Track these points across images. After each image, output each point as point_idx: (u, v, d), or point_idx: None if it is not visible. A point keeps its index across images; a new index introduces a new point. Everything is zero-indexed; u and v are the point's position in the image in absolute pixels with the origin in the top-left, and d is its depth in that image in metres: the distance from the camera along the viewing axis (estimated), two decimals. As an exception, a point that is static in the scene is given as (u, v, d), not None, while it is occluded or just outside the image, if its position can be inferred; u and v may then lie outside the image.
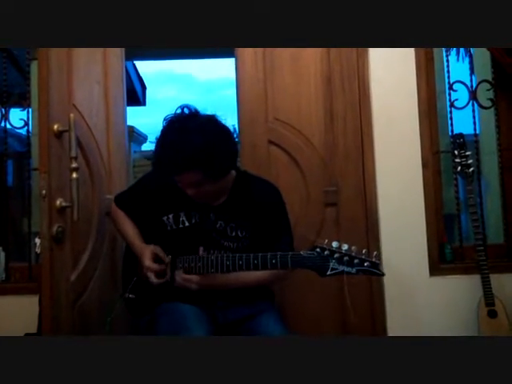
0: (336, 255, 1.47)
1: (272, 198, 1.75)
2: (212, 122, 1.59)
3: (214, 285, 1.63)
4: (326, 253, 1.47)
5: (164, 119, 1.60)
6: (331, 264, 1.47)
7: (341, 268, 1.46)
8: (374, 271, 1.47)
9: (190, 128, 1.55)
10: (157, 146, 1.59)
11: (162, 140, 1.58)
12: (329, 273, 1.47)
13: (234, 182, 1.72)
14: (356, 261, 1.46)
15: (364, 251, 1.48)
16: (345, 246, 1.48)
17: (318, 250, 1.48)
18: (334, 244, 1.48)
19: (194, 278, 1.60)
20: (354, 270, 1.46)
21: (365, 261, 1.46)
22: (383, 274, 1.52)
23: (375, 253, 1.50)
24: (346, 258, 1.46)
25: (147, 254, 1.67)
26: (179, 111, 1.60)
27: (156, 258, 1.66)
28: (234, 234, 1.69)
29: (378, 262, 1.48)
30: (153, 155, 1.61)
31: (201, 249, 1.62)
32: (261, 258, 1.53)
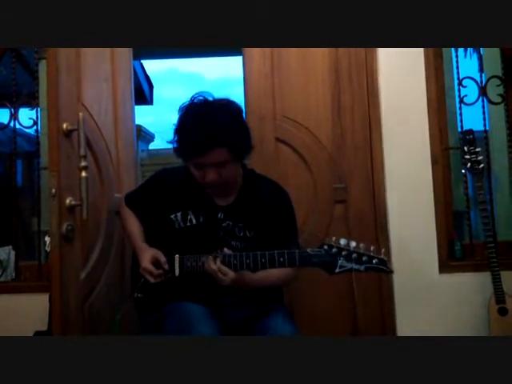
0: (344, 252, 1.46)
1: (280, 200, 1.75)
2: (231, 103, 1.63)
3: (244, 284, 1.59)
4: (333, 250, 1.47)
5: (180, 108, 1.62)
6: (339, 261, 1.46)
7: (349, 265, 1.46)
8: (383, 268, 1.46)
9: (212, 108, 1.58)
10: (179, 129, 1.60)
11: (184, 122, 1.59)
12: (337, 270, 1.47)
13: (243, 182, 1.72)
14: (364, 258, 1.45)
15: (372, 248, 1.47)
16: (353, 243, 1.47)
17: (325, 247, 1.48)
18: (342, 241, 1.47)
19: (231, 273, 1.54)
20: (362, 268, 1.45)
21: (373, 258, 1.46)
22: (392, 272, 1.52)
23: (383, 250, 1.49)
24: (354, 256, 1.45)
25: (146, 256, 1.67)
26: (194, 98, 1.62)
27: (155, 262, 1.66)
28: (242, 234, 1.68)
29: (386, 258, 1.47)
30: (173, 140, 1.61)
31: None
32: (268, 256, 1.53)
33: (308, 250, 1.50)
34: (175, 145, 1.62)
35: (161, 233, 1.74)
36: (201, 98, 1.62)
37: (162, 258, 1.66)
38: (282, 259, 1.51)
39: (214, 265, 1.54)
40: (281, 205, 1.73)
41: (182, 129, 1.59)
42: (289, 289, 2.07)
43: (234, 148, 1.56)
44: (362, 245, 1.47)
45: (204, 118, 1.55)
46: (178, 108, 1.65)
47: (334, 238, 1.49)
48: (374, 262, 1.45)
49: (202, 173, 1.59)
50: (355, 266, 1.45)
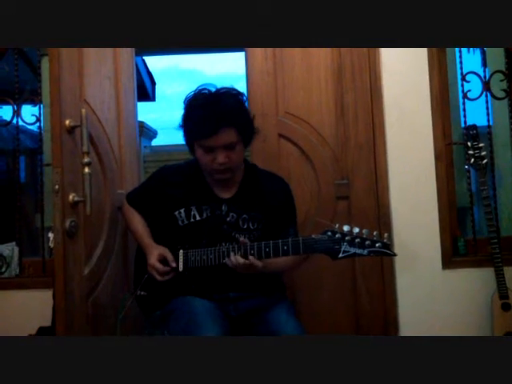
0: (347, 238, 1.48)
1: (282, 190, 1.77)
2: (235, 89, 1.68)
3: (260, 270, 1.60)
4: (337, 236, 1.49)
5: (186, 98, 1.66)
6: (343, 247, 1.48)
7: (352, 250, 1.48)
8: (386, 252, 1.48)
9: (218, 93, 1.63)
10: (188, 114, 1.64)
11: (193, 107, 1.63)
12: (341, 255, 1.48)
13: (244, 174, 1.73)
14: (367, 242, 1.47)
15: (375, 233, 1.49)
16: (356, 229, 1.49)
17: (329, 233, 1.50)
18: (345, 227, 1.49)
19: (258, 262, 1.55)
20: (365, 252, 1.47)
21: (376, 242, 1.48)
22: (395, 255, 1.53)
23: (386, 234, 1.51)
24: (357, 240, 1.47)
25: (154, 253, 1.68)
26: (198, 90, 1.66)
27: (163, 260, 1.67)
28: (245, 226, 1.69)
29: (389, 242, 1.49)
30: (182, 126, 1.66)
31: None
32: (272, 245, 1.54)
33: (312, 236, 1.51)
34: (184, 130, 1.65)
35: (165, 230, 1.75)
36: (205, 90, 1.65)
37: (169, 256, 1.67)
38: (285, 247, 1.53)
39: (241, 259, 1.55)
40: (282, 194, 1.76)
41: (191, 113, 1.63)
42: (291, 283, 2.08)
43: (242, 129, 1.61)
44: (365, 230, 1.49)
45: (212, 101, 1.60)
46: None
47: (337, 225, 1.51)
48: (376, 245, 1.47)
49: (212, 157, 1.61)
50: (358, 251, 1.47)
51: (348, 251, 1.47)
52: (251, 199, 1.71)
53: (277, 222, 1.70)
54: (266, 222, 1.71)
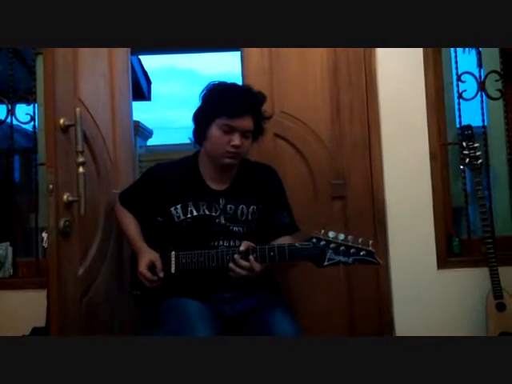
0: (332, 245, 1.47)
1: (272, 177, 1.81)
2: None
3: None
4: (322, 243, 1.48)
5: (208, 84, 1.71)
6: (328, 254, 1.47)
7: (337, 258, 1.47)
8: (370, 260, 1.47)
9: (247, 85, 1.77)
10: (216, 91, 1.68)
11: (225, 86, 1.69)
12: (326, 263, 1.48)
13: (238, 168, 1.76)
14: (352, 250, 1.47)
15: (360, 240, 1.48)
16: (341, 236, 1.48)
17: (314, 240, 1.49)
18: (331, 234, 1.48)
19: (256, 264, 1.54)
20: (350, 260, 1.47)
21: (361, 250, 1.47)
22: (379, 263, 1.52)
23: (371, 241, 1.49)
24: (342, 248, 1.47)
25: (144, 259, 1.67)
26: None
27: (152, 266, 1.66)
28: (244, 217, 1.70)
29: (373, 250, 1.48)
30: (207, 101, 1.69)
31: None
32: (259, 251, 1.54)
33: (296, 244, 1.51)
34: (206, 108, 1.67)
35: (159, 228, 1.74)
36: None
37: (159, 264, 1.67)
38: (272, 254, 1.53)
39: (244, 262, 1.55)
40: (273, 180, 1.80)
41: (223, 90, 1.67)
42: (286, 284, 2.07)
43: (258, 122, 1.69)
44: (350, 237, 1.48)
45: (244, 87, 1.73)
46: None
47: (322, 231, 1.50)
48: (361, 253, 1.47)
49: (229, 138, 1.64)
50: (343, 259, 1.47)
51: (333, 259, 1.47)
52: (246, 188, 1.73)
53: (271, 208, 1.73)
54: (263, 209, 1.72)
